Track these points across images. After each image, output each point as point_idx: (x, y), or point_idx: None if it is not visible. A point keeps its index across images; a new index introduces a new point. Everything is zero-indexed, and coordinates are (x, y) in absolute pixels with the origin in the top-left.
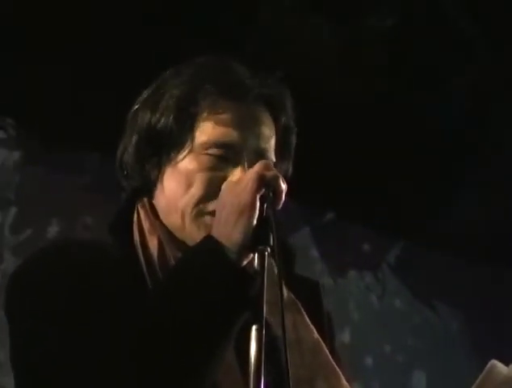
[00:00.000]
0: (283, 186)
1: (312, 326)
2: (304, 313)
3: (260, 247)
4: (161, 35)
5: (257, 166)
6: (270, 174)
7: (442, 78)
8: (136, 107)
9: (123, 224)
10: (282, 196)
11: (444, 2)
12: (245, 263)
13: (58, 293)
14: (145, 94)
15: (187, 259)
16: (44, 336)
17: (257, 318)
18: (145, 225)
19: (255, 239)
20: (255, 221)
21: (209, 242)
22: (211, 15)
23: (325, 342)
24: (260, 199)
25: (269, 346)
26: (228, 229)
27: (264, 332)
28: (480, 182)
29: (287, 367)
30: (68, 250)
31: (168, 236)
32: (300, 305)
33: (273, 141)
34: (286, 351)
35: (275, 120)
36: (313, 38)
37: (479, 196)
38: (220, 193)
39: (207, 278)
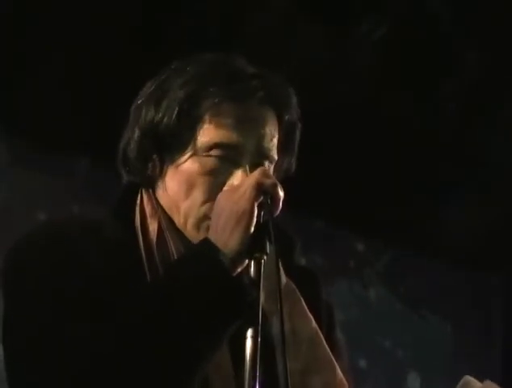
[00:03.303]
0: (281, 193)
1: (310, 316)
2: (303, 302)
3: (256, 255)
4: (154, 38)
5: (255, 174)
6: (268, 181)
7: (432, 82)
8: (140, 100)
9: (126, 207)
10: (279, 204)
11: (433, 5)
12: (240, 269)
13: (53, 274)
14: (149, 87)
15: (182, 263)
16: (35, 318)
17: (252, 325)
18: (147, 208)
19: (252, 246)
20: (252, 229)
21: (206, 247)
22: (203, 18)
23: (321, 332)
24: (258, 206)
25: (265, 340)
26: (225, 237)
27: (259, 340)
28: (468, 189)
29: (286, 370)
30: (67, 230)
31: (168, 222)
32: (299, 293)
33: (276, 139)
34: (285, 357)
35: (279, 117)
36: (305, 44)
37: (467, 203)
38: (217, 199)
39: (200, 287)
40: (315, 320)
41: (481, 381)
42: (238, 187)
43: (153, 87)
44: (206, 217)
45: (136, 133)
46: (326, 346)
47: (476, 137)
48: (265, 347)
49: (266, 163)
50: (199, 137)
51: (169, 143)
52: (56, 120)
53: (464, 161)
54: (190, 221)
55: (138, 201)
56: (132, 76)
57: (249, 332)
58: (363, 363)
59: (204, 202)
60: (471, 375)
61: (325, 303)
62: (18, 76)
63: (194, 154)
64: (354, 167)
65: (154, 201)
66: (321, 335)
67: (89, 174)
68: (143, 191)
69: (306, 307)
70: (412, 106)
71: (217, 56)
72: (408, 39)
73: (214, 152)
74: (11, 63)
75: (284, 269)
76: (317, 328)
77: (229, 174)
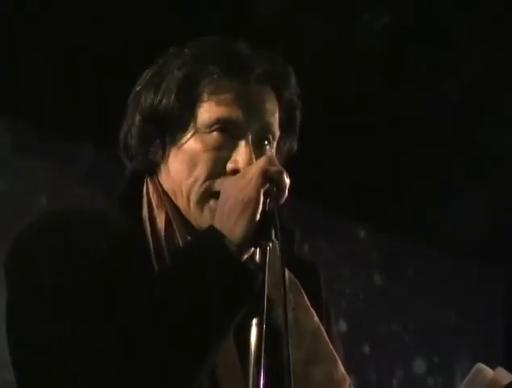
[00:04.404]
0: (287, 181)
1: (312, 309)
2: (305, 295)
3: (262, 243)
4: (155, 30)
5: (261, 161)
6: (274, 169)
7: (434, 77)
8: (138, 87)
9: (131, 197)
10: (285, 191)
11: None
12: (245, 257)
13: (58, 264)
14: (147, 74)
15: (189, 250)
16: (38, 308)
17: (257, 313)
18: (153, 198)
19: (257, 234)
20: (258, 216)
21: (212, 233)
22: (205, 14)
23: (322, 324)
24: (264, 194)
25: (270, 329)
26: (231, 224)
27: (264, 327)
28: (469, 181)
29: (289, 361)
30: (70, 220)
31: (175, 212)
32: (300, 286)
33: (277, 116)
34: (288, 351)
35: (278, 97)
36: (306, 36)
37: (469, 193)
38: (223, 186)
39: (208, 273)
40: (316, 314)
41: (493, 368)
42: (244, 174)
43: (151, 74)
44: (207, 194)
45: (137, 119)
46: (328, 340)
47: (476, 133)
48: (271, 336)
49: (270, 138)
50: (199, 115)
51: (170, 124)
52: (59, 107)
53: (466, 150)
54: (193, 199)
55: (144, 191)
56: (135, 63)
57: (255, 320)
58: (366, 349)
59: (207, 179)
60: (473, 361)
61: (324, 297)
62: (20, 63)
63: (195, 133)
64: (356, 159)
65: (160, 190)
66: (323, 329)
67: (92, 161)
68: (148, 180)
69: (308, 301)
70: (412, 94)
71: (214, 39)
72: (408, 36)
73: (215, 128)
74: (13, 49)
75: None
76: (319, 322)
77: (232, 149)
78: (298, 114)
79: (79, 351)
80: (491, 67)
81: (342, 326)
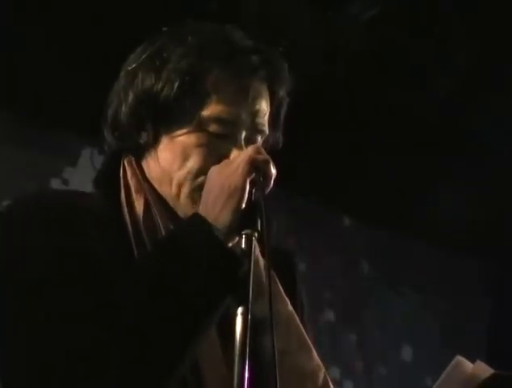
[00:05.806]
0: (273, 170)
1: (286, 299)
2: (279, 284)
3: (247, 231)
4: (148, 21)
5: (248, 150)
6: (260, 158)
7: (427, 70)
8: (134, 65)
9: (108, 179)
10: (271, 181)
11: None
12: (230, 245)
13: (36, 252)
14: (142, 53)
15: (174, 236)
16: (17, 299)
17: (242, 302)
18: (132, 182)
19: (242, 223)
20: (244, 205)
21: (197, 220)
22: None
23: (296, 313)
24: (250, 183)
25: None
26: (216, 212)
27: (250, 317)
28: (468, 180)
29: (274, 351)
30: (50, 204)
31: (155, 197)
32: (275, 275)
33: (268, 114)
34: (273, 341)
35: (272, 93)
36: (296, 26)
37: (455, 188)
38: (209, 174)
39: (194, 257)
40: (290, 303)
41: (473, 362)
42: (231, 162)
43: (148, 53)
44: (201, 188)
45: (131, 97)
46: (302, 328)
47: (476, 133)
48: (252, 326)
49: (259, 138)
50: (199, 111)
51: (168, 114)
52: (58, 102)
53: (458, 143)
54: (185, 191)
55: (121, 174)
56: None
57: (240, 309)
58: (353, 338)
59: (199, 173)
60: (457, 351)
61: (299, 287)
62: (20, 60)
63: (193, 127)
64: (346, 149)
65: (139, 174)
66: (297, 318)
67: (89, 156)
68: (125, 163)
69: (282, 290)
70: (412, 93)
71: (216, 28)
72: (401, 25)
73: (213, 126)
74: (13, 46)
75: (261, 251)
76: (293, 311)
77: (225, 149)
78: (285, 108)
79: (65, 345)
80: (492, 67)
81: (330, 315)
